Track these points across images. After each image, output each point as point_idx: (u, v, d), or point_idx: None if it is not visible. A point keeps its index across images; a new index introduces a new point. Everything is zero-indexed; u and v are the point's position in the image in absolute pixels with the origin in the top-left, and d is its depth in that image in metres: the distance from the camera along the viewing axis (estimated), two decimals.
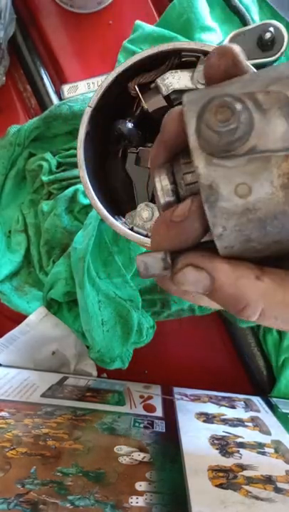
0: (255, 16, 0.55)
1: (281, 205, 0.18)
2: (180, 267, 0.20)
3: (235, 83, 0.19)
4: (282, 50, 0.48)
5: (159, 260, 0.20)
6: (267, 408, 0.50)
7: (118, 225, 0.39)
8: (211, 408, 0.49)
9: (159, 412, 0.46)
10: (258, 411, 0.49)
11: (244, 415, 0.48)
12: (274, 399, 0.54)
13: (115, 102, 0.42)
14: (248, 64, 0.21)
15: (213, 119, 0.18)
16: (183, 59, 0.41)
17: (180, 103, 0.30)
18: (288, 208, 0.18)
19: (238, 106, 0.18)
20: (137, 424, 0.42)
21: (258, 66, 0.48)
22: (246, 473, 0.35)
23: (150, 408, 0.47)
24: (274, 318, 0.20)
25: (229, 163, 0.18)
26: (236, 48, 0.21)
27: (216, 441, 0.40)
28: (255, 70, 0.21)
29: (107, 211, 0.40)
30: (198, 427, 0.44)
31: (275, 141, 0.18)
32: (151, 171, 0.23)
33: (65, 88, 0.60)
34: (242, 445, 0.40)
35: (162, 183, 0.21)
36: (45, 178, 0.56)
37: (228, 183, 0.18)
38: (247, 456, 0.38)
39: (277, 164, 0.18)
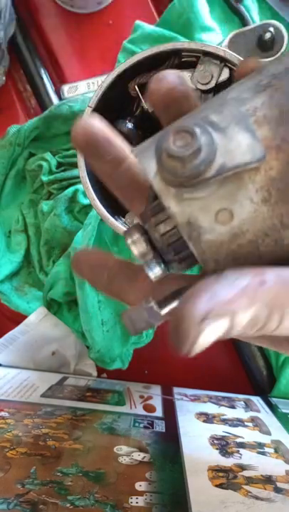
0: (255, 16, 0.55)
1: (268, 220, 0.17)
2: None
3: (186, 117, 0.18)
4: (282, 50, 0.48)
5: (143, 311, 0.19)
6: (267, 408, 0.50)
7: (118, 225, 0.39)
8: (211, 408, 0.49)
9: (159, 412, 0.46)
10: (258, 411, 0.49)
11: (244, 415, 0.48)
12: (274, 399, 0.54)
13: (115, 102, 0.42)
14: (191, 86, 0.21)
15: (173, 147, 0.16)
16: (183, 59, 0.41)
17: None
18: (277, 222, 0.17)
19: (196, 128, 0.16)
20: (136, 424, 0.42)
21: None
22: (246, 473, 0.35)
23: (150, 408, 0.47)
24: None
25: (201, 193, 0.17)
26: (171, 76, 0.20)
27: (215, 441, 0.40)
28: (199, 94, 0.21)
29: (107, 211, 0.40)
30: (198, 427, 0.44)
31: (243, 154, 0.16)
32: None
33: (65, 88, 0.60)
34: (242, 445, 0.40)
35: (137, 246, 0.20)
36: (45, 178, 0.56)
37: (207, 213, 0.17)
38: (247, 456, 0.38)
39: (251, 179, 0.17)
